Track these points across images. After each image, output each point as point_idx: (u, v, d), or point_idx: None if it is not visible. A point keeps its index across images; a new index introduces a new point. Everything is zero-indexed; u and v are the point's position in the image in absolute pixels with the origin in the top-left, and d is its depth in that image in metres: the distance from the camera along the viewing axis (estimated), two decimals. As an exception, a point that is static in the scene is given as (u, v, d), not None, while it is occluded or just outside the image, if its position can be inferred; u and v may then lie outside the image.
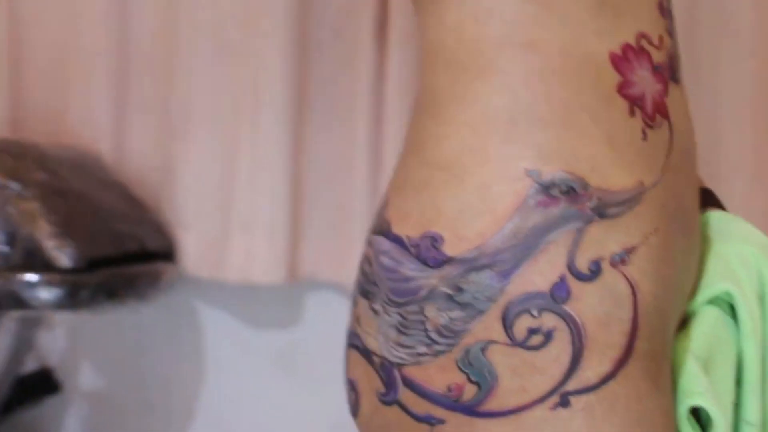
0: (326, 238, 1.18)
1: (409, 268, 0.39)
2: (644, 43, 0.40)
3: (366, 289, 0.41)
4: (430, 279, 0.38)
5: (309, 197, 1.18)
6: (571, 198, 0.37)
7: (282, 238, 1.15)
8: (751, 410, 0.42)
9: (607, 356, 0.37)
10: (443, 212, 0.38)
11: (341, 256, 1.18)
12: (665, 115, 0.40)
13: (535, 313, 0.37)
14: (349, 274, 1.17)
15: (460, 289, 0.38)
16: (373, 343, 0.40)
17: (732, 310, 0.43)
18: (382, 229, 0.41)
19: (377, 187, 1.13)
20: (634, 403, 0.37)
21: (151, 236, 1.15)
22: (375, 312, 0.40)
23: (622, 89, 0.39)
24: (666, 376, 0.39)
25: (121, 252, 1.08)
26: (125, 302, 1.06)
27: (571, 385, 0.36)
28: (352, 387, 0.42)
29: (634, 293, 0.37)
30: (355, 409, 0.42)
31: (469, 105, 0.39)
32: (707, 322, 0.42)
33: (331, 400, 1.25)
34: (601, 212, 0.37)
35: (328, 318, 1.24)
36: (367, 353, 0.41)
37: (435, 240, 0.38)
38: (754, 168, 1.04)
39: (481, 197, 0.38)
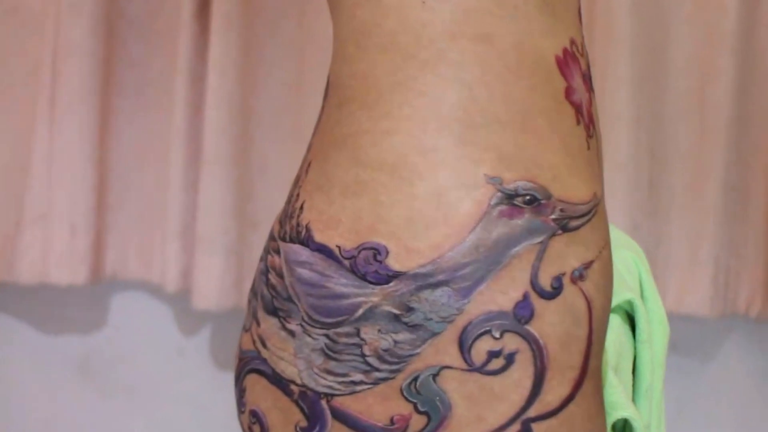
0: (134, 233, 1.09)
1: (341, 283, 0.34)
2: (575, 49, 0.37)
3: (275, 305, 0.36)
4: (369, 297, 0.33)
5: (115, 187, 1.08)
6: (535, 209, 0.34)
7: (83, 232, 1.04)
8: (643, 413, 0.43)
9: (567, 377, 0.34)
10: (387, 220, 0.33)
11: (151, 252, 1.09)
12: (595, 126, 0.38)
13: (496, 334, 0.33)
14: (160, 272, 1.11)
15: (409, 309, 0.33)
16: (288, 369, 0.35)
17: (627, 317, 0.44)
18: (297, 235, 0.35)
19: (195, 179, 1.06)
20: (588, 423, 0.35)
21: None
22: (290, 333, 0.35)
23: (569, 95, 0.36)
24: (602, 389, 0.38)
25: None
26: None
27: (533, 411, 0.33)
28: (257, 420, 0.36)
29: (590, 310, 0.34)
30: None
31: (415, 98, 0.34)
32: (614, 331, 0.41)
33: (145, 414, 1.16)
34: (564, 225, 0.34)
35: (137, 321, 1.14)
36: (279, 381, 0.35)
37: (377, 252, 0.33)
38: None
39: (435, 205, 0.33)
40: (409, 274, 0.33)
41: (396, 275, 0.33)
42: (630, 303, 0.43)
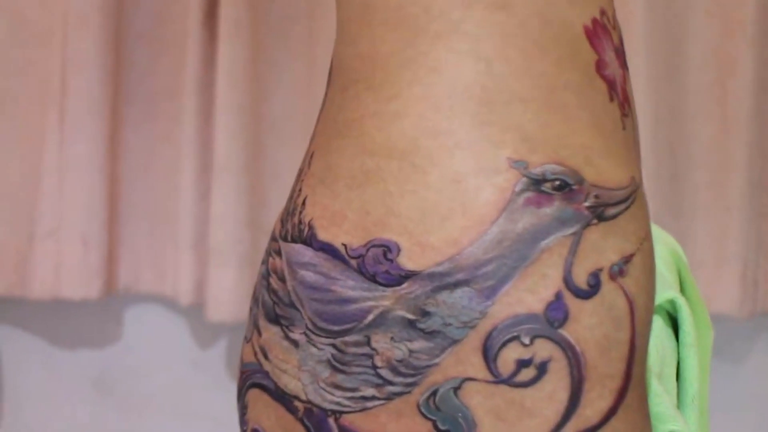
0: (146, 245, 1.07)
1: (348, 285, 0.30)
2: (605, 20, 0.34)
3: (276, 313, 0.32)
4: (380, 300, 0.30)
5: (126, 198, 1.07)
6: (565, 195, 0.30)
7: (96, 245, 1.02)
8: (691, 422, 0.38)
9: (607, 388, 0.30)
10: (397, 213, 0.30)
11: (163, 265, 1.07)
12: (630, 105, 0.34)
13: (526, 340, 0.29)
14: (173, 284, 1.09)
15: (425, 313, 0.29)
16: (291, 383, 0.31)
17: (669, 318, 0.39)
18: (299, 234, 0.32)
19: (206, 189, 1.04)
20: None
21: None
22: (294, 343, 0.31)
23: (600, 69, 0.32)
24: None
25: None
26: None
27: (570, 428, 0.29)
28: None
29: (631, 310, 0.30)
30: None
31: (427, 75, 0.30)
32: (656, 334, 0.37)
33: (161, 428, 1.14)
34: (599, 213, 0.30)
35: (152, 334, 1.12)
36: (282, 396, 0.32)
37: (388, 249, 0.30)
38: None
39: (451, 194, 0.29)
40: (424, 273, 0.29)
41: (409, 275, 0.30)
42: (672, 302, 0.38)
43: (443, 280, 0.29)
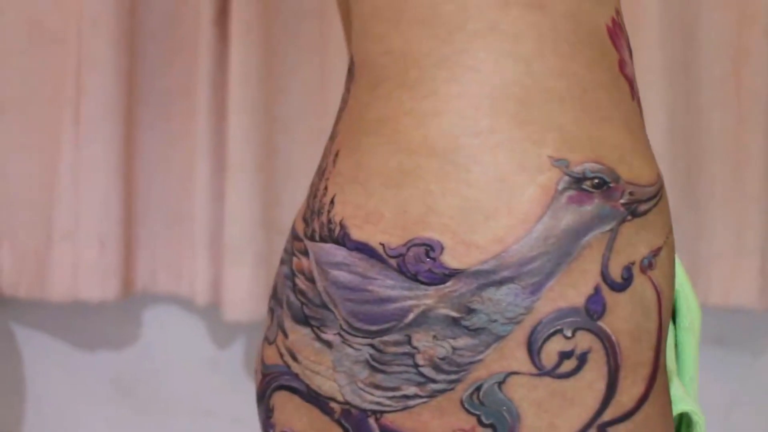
0: (162, 245, 1.08)
1: (387, 285, 0.30)
2: (620, 19, 0.34)
3: (306, 314, 0.32)
4: (422, 299, 0.30)
5: (142, 200, 1.07)
6: (604, 193, 0.31)
7: (113, 247, 1.03)
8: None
9: (639, 375, 0.31)
10: (439, 212, 0.30)
11: (180, 265, 1.08)
12: (640, 103, 0.35)
13: (568, 333, 0.30)
14: (190, 284, 1.09)
15: (470, 311, 0.30)
16: (326, 384, 0.32)
17: None
18: (329, 234, 0.32)
19: (220, 188, 1.04)
20: (661, 425, 0.32)
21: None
22: (326, 344, 0.32)
23: (622, 68, 0.33)
24: None
25: None
26: None
27: (608, 415, 0.30)
28: None
29: (659, 301, 0.32)
30: None
31: (465, 73, 0.31)
32: None
33: (181, 429, 1.14)
34: (633, 210, 0.31)
35: (170, 335, 1.13)
36: (315, 398, 0.32)
37: (430, 248, 0.30)
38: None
39: (495, 193, 0.30)
40: (470, 271, 0.30)
41: (453, 273, 0.30)
42: None
43: (489, 278, 0.30)
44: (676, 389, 0.36)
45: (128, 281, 1.05)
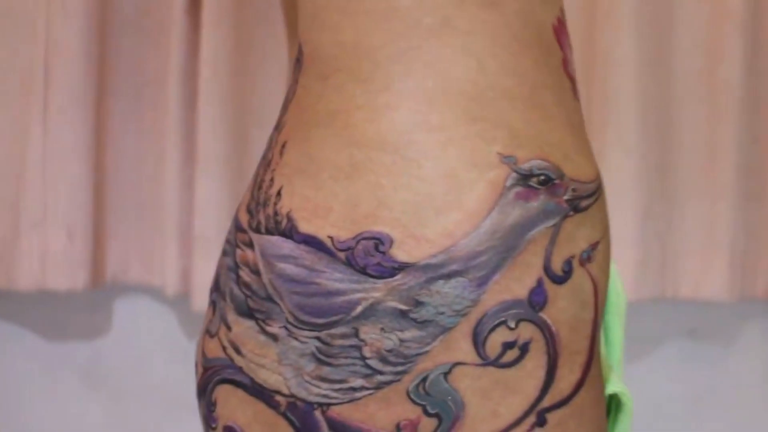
0: (132, 235, 1.07)
1: (335, 278, 0.31)
2: (564, 18, 0.35)
3: (250, 306, 0.32)
4: (370, 292, 0.30)
5: (112, 189, 1.06)
6: (549, 190, 0.32)
7: (82, 236, 1.02)
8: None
9: (576, 363, 0.32)
10: (390, 206, 0.30)
11: (151, 255, 1.07)
12: (580, 102, 0.36)
13: (512, 324, 0.31)
14: (161, 274, 1.08)
15: (418, 303, 0.30)
16: (271, 377, 0.32)
17: None
18: (275, 226, 0.32)
19: (190, 178, 1.03)
20: (595, 409, 0.33)
21: None
22: (271, 337, 0.32)
23: (565, 67, 0.34)
24: None
25: None
26: None
27: (547, 401, 0.32)
28: None
29: (596, 293, 0.33)
30: None
31: (420, 69, 0.31)
32: None
33: (154, 419, 1.13)
34: (576, 205, 0.32)
35: (141, 325, 1.12)
36: (260, 391, 0.32)
37: (380, 242, 0.30)
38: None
39: (445, 188, 0.30)
40: (419, 265, 0.30)
41: (402, 267, 0.30)
42: None
43: (438, 271, 0.30)
44: (606, 372, 0.37)
45: (98, 271, 1.05)
